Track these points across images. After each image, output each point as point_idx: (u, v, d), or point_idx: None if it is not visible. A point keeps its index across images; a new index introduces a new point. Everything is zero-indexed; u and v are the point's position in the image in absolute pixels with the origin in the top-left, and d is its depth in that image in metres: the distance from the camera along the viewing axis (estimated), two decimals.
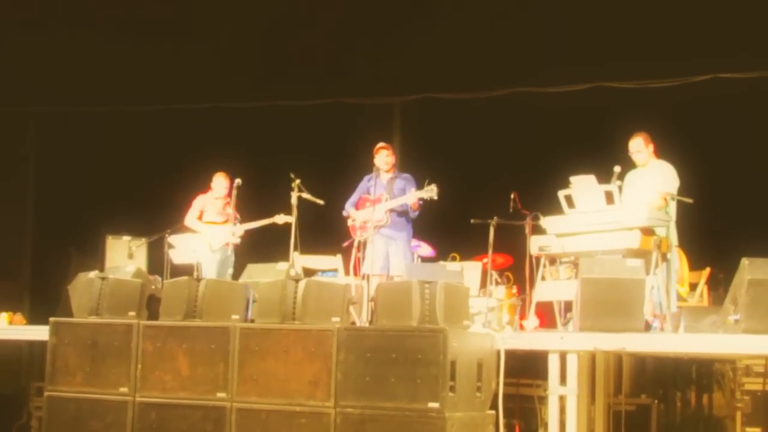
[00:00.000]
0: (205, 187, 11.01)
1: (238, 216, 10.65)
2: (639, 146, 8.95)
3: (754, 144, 10.88)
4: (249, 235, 10.70)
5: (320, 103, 13.08)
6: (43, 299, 12.38)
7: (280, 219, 10.19)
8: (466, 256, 10.67)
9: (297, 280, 7.42)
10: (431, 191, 9.29)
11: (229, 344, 7.28)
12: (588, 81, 11.84)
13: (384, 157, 9.80)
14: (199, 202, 10.88)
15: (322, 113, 13.09)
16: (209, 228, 10.69)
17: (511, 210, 9.14)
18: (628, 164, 8.93)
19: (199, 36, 12.58)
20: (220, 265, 10.52)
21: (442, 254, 10.91)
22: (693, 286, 10.07)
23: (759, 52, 10.68)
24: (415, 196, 9.46)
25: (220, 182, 10.80)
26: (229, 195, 10.46)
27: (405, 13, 11.94)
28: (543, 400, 7.74)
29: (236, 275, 9.69)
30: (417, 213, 9.67)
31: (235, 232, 10.57)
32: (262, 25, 12.42)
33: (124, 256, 11.47)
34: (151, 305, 8.09)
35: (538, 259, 8.78)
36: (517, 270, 9.70)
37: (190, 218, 10.78)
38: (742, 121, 11.04)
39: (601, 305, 7.25)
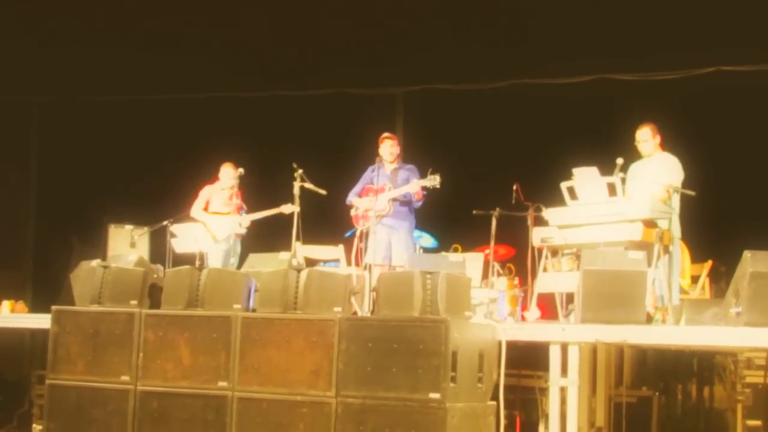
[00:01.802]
0: (207, 176, 11.01)
1: (244, 206, 10.65)
2: (646, 135, 8.96)
3: (758, 137, 10.87)
4: (251, 224, 10.72)
5: (323, 93, 13.08)
6: (45, 288, 12.39)
7: (286, 209, 10.16)
8: (468, 246, 10.67)
9: (299, 270, 7.43)
10: (434, 180, 9.29)
11: (230, 333, 7.28)
12: (591, 73, 11.83)
13: (389, 147, 9.80)
14: (206, 193, 10.87)
15: (325, 103, 13.08)
16: (214, 218, 10.68)
17: (513, 201, 9.14)
18: (632, 156, 8.93)
19: (204, 25, 12.56)
20: (224, 255, 10.53)
21: (444, 245, 10.91)
22: (695, 279, 10.06)
23: (763, 45, 10.66)
24: (417, 184, 9.46)
25: (227, 172, 10.77)
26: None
27: (408, 3, 11.91)
28: (544, 391, 7.74)
29: (240, 265, 9.69)
30: (420, 203, 9.67)
31: (241, 222, 10.59)
32: (266, 16, 12.39)
33: (126, 245, 11.48)
34: (153, 294, 8.09)
35: (540, 250, 8.77)
36: (519, 261, 9.70)
37: (195, 209, 10.76)
38: (746, 113, 11.03)
39: (603, 297, 7.25)
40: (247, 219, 10.61)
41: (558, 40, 11.52)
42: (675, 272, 8.64)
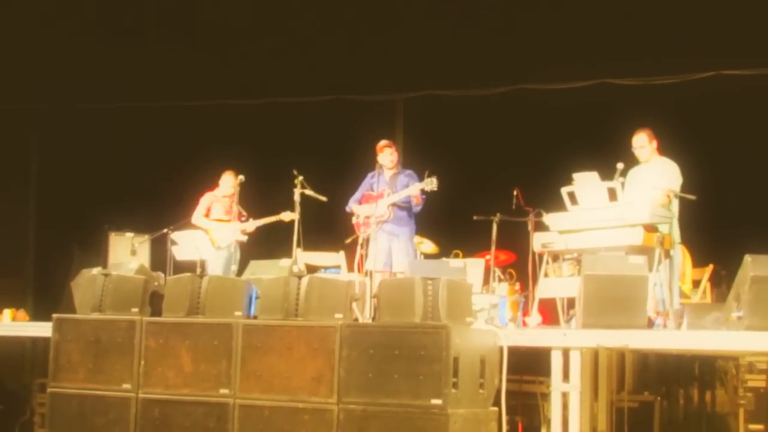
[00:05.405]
0: (208, 183, 11.03)
1: (244, 213, 10.67)
2: (642, 141, 8.97)
3: (757, 141, 10.87)
4: (252, 231, 10.73)
5: (323, 99, 13.08)
6: (46, 296, 12.39)
7: (286, 216, 10.18)
8: (468, 252, 10.67)
9: (300, 277, 7.42)
10: (431, 183, 9.30)
11: (231, 341, 7.28)
12: (591, 78, 11.83)
13: (388, 155, 9.81)
14: (207, 200, 10.91)
15: (325, 110, 13.08)
16: (216, 225, 10.70)
17: (513, 207, 9.15)
18: (631, 161, 8.94)
19: (202, 32, 12.57)
20: (225, 262, 10.54)
21: (444, 251, 10.91)
22: (696, 283, 10.05)
23: (761, 50, 10.67)
24: (416, 188, 9.46)
25: (228, 180, 10.80)
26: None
27: (408, 9, 11.93)
28: (546, 396, 7.72)
29: (240, 272, 9.70)
30: (420, 207, 9.67)
31: (246, 228, 10.61)
32: (265, 22, 12.40)
33: (127, 253, 11.47)
34: (154, 302, 8.09)
35: (540, 255, 8.77)
36: (520, 267, 9.71)
37: (197, 216, 10.82)
38: (745, 118, 11.04)
39: (604, 302, 7.25)
40: (253, 225, 10.63)
41: (557, 46, 11.52)
42: (676, 276, 8.64)
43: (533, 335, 7.53)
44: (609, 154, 8.70)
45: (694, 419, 8.87)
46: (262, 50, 12.73)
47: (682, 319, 7.86)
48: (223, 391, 7.25)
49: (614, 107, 11.31)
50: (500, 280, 10.18)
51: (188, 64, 12.74)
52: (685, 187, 8.71)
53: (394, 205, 9.61)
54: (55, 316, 8.06)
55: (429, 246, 10.99)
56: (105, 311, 7.98)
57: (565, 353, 7.10)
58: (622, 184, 8.33)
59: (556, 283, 8.74)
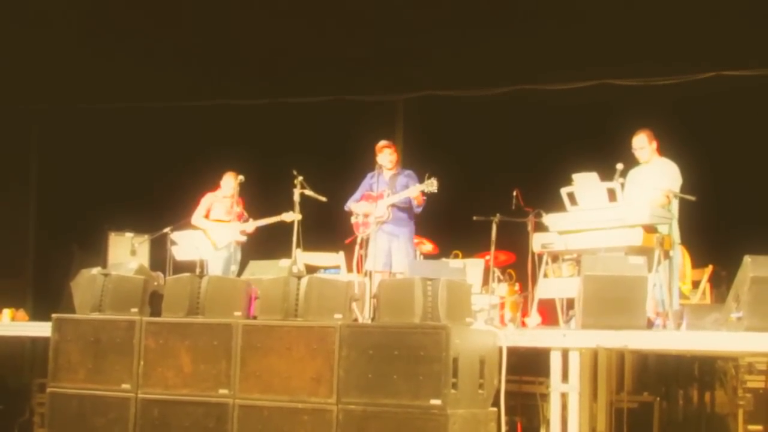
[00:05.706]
0: (207, 183, 11.03)
1: (245, 214, 10.66)
2: (642, 143, 8.98)
3: (757, 141, 10.87)
4: (253, 232, 10.73)
5: (323, 100, 13.08)
6: (45, 295, 12.39)
7: (287, 217, 10.18)
8: (468, 253, 10.67)
9: (299, 277, 7.42)
10: (431, 185, 9.30)
11: (231, 341, 7.28)
12: (591, 78, 11.83)
13: (387, 156, 9.81)
14: (207, 200, 10.92)
15: (325, 110, 13.08)
16: (215, 226, 10.71)
17: (513, 207, 9.14)
18: (631, 162, 8.94)
19: (203, 32, 12.57)
20: (225, 263, 10.54)
21: (444, 251, 10.91)
22: (695, 284, 10.06)
23: (762, 50, 10.67)
24: (416, 189, 9.46)
25: (229, 182, 10.81)
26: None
27: (408, 10, 11.92)
28: (545, 397, 7.73)
29: (240, 272, 9.70)
30: (421, 208, 9.67)
31: (245, 229, 10.61)
32: (266, 22, 12.40)
33: (127, 253, 11.47)
34: (154, 302, 8.08)
35: (540, 256, 8.78)
36: (520, 267, 9.71)
37: (196, 216, 10.83)
38: (746, 118, 11.04)
39: (604, 302, 7.25)
40: (253, 225, 10.64)
41: (558, 46, 11.52)
42: (675, 277, 8.65)
43: (532, 336, 7.52)
44: (609, 155, 8.70)
45: (693, 420, 8.88)
46: (263, 50, 12.72)
47: (681, 320, 7.86)
48: (223, 391, 7.25)
49: (614, 108, 11.31)
50: (500, 281, 10.18)
51: (189, 63, 12.73)
52: (684, 188, 8.71)
53: (393, 205, 9.60)
54: (54, 316, 8.06)
55: (429, 247, 10.98)
56: (104, 311, 7.98)
57: (565, 354, 7.10)
58: (622, 184, 8.34)
59: (555, 284, 8.75)
